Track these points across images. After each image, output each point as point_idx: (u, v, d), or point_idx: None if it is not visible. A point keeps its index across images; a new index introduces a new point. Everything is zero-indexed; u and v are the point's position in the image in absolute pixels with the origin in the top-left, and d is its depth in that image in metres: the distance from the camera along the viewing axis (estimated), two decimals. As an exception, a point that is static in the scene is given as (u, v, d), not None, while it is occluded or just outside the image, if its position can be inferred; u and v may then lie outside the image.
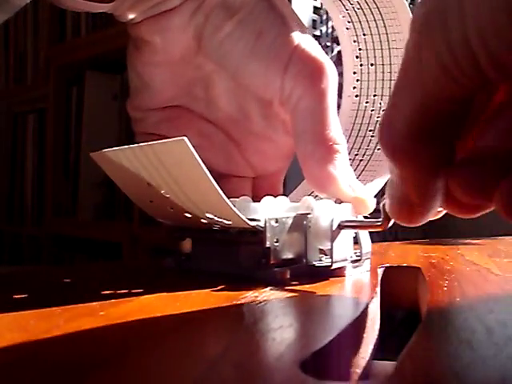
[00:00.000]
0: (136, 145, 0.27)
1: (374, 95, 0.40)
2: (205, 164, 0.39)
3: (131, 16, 0.36)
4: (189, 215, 0.30)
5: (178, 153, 0.26)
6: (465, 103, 0.19)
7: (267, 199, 0.32)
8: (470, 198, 0.20)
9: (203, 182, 0.26)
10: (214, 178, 0.38)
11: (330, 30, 1.05)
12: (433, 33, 0.18)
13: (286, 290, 0.27)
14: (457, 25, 0.17)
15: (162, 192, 0.28)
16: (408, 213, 0.22)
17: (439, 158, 0.20)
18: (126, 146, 0.27)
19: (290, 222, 0.30)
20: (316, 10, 1.03)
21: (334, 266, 0.30)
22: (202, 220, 0.30)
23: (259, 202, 0.32)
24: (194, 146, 0.39)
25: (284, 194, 0.36)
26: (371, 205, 0.33)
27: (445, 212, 0.23)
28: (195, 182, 0.27)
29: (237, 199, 0.33)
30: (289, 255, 0.31)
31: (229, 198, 0.31)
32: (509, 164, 0.19)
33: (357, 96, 0.40)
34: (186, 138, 0.25)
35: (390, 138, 0.20)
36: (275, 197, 0.32)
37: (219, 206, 0.28)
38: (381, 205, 0.26)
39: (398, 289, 0.32)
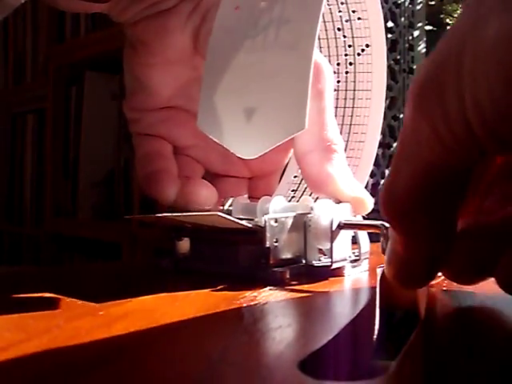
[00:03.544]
0: (176, 214, 0.31)
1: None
2: (201, 164, 0.40)
3: (127, 16, 0.36)
4: None
5: (213, 219, 0.30)
6: (462, 173, 0.19)
7: (265, 199, 0.32)
8: (470, 271, 0.21)
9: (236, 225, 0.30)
10: (210, 179, 0.38)
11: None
12: (429, 103, 0.18)
13: (286, 290, 0.27)
14: (453, 96, 0.17)
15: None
16: (407, 278, 0.22)
17: (440, 226, 0.20)
18: (165, 215, 0.31)
19: (289, 221, 0.31)
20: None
21: (334, 265, 0.30)
22: None
23: (256, 201, 0.32)
24: (190, 146, 0.39)
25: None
26: (370, 204, 0.33)
27: (443, 278, 0.23)
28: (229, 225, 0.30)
29: (234, 198, 0.33)
30: (288, 255, 0.31)
31: (225, 198, 0.33)
32: (507, 235, 0.20)
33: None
34: (219, 213, 0.29)
35: (391, 205, 0.20)
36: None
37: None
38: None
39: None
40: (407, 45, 1.10)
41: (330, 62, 0.40)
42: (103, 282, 0.32)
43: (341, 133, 0.39)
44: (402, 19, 1.09)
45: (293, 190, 0.41)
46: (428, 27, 1.16)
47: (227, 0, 0.34)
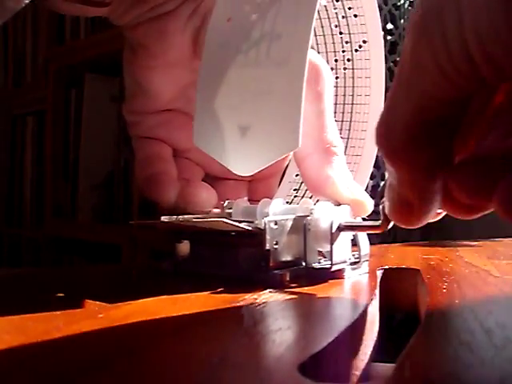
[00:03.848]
0: (180, 217, 0.32)
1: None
2: (201, 166, 0.40)
3: (127, 20, 0.36)
4: None
5: (218, 224, 0.30)
6: (462, 104, 0.19)
7: (265, 201, 0.32)
8: (468, 198, 0.20)
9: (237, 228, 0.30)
10: (210, 181, 0.38)
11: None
12: (430, 34, 0.18)
13: (285, 293, 0.27)
14: (454, 26, 0.17)
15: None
16: (407, 214, 0.22)
17: (437, 159, 0.20)
18: (170, 220, 0.32)
19: (289, 224, 0.31)
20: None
21: (334, 268, 0.30)
22: None
23: (256, 204, 0.32)
24: (189, 149, 0.39)
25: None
26: (370, 206, 0.33)
27: (444, 214, 0.23)
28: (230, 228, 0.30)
29: (234, 201, 0.33)
30: (288, 257, 0.31)
31: (225, 200, 0.34)
32: (507, 164, 0.19)
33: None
34: (224, 219, 0.29)
35: (387, 140, 0.20)
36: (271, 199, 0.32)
37: None
38: (380, 207, 0.26)
39: (397, 291, 0.32)
40: (407, 47, 1.10)
41: (327, 58, 0.40)
42: (103, 284, 0.32)
43: (341, 129, 0.39)
44: (402, 21, 1.09)
45: (295, 189, 0.41)
46: (427, 29, 1.17)
47: (219, 12, 0.34)
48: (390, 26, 0.97)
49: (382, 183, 1.07)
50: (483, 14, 0.16)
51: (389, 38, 0.95)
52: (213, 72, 0.33)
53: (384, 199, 0.24)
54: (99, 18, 1.30)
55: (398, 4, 1.08)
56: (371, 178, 1.07)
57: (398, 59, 1.08)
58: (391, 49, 0.95)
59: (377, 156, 0.39)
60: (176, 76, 0.38)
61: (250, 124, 0.32)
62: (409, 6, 1.10)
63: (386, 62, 0.40)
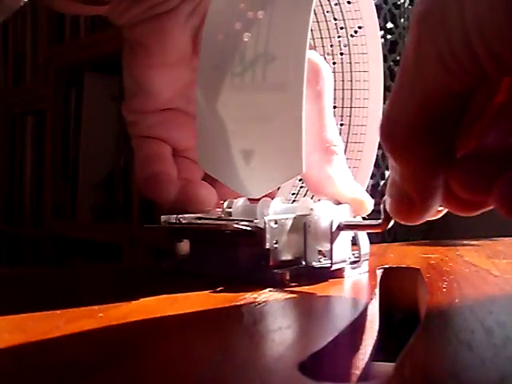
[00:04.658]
0: (186, 218, 0.32)
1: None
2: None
3: (126, 19, 0.36)
4: None
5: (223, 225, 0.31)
6: (464, 99, 0.19)
7: (265, 201, 0.32)
8: (468, 194, 0.20)
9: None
10: (210, 181, 0.38)
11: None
12: (432, 29, 0.18)
13: (285, 292, 0.27)
14: (456, 21, 0.17)
15: None
16: (408, 211, 0.22)
17: (439, 156, 0.20)
18: (177, 218, 0.32)
19: (289, 223, 0.31)
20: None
21: (334, 267, 0.30)
22: None
23: (256, 203, 0.32)
24: (189, 148, 0.39)
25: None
26: (370, 205, 0.33)
27: (445, 211, 0.23)
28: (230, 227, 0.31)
29: (234, 200, 0.33)
30: (288, 256, 0.31)
31: (225, 200, 0.34)
32: (507, 161, 0.20)
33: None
34: (234, 224, 0.30)
35: (391, 136, 0.20)
36: (272, 199, 0.32)
37: None
38: (381, 206, 0.26)
39: (396, 290, 0.32)
40: (407, 46, 1.10)
41: (322, 44, 0.39)
42: (103, 283, 0.32)
43: (341, 116, 0.39)
44: (402, 20, 1.09)
45: (300, 180, 0.41)
46: (427, 28, 1.16)
47: (210, 30, 0.33)
48: (390, 25, 0.97)
49: (381, 182, 1.07)
50: (485, 10, 0.17)
51: (389, 37, 0.94)
52: (210, 96, 0.33)
53: (385, 198, 0.24)
54: (99, 17, 1.30)
55: (398, 3, 1.08)
56: (371, 178, 1.07)
57: (398, 58, 1.08)
58: (391, 48, 0.95)
59: (377, 155, 0.39)
60: (175, 75, 0.38)
61: (253, 149, 0.32)
62: (409, 4, 1.10)
63: (386, 61, 0.40)
